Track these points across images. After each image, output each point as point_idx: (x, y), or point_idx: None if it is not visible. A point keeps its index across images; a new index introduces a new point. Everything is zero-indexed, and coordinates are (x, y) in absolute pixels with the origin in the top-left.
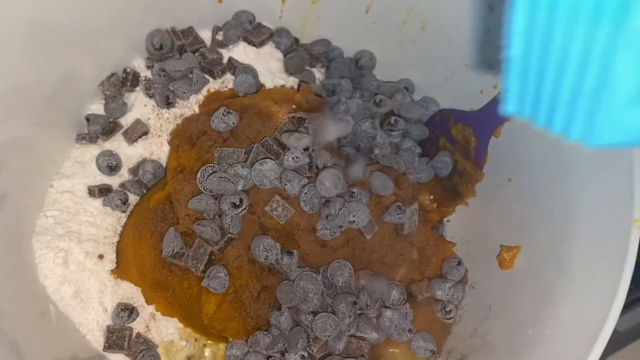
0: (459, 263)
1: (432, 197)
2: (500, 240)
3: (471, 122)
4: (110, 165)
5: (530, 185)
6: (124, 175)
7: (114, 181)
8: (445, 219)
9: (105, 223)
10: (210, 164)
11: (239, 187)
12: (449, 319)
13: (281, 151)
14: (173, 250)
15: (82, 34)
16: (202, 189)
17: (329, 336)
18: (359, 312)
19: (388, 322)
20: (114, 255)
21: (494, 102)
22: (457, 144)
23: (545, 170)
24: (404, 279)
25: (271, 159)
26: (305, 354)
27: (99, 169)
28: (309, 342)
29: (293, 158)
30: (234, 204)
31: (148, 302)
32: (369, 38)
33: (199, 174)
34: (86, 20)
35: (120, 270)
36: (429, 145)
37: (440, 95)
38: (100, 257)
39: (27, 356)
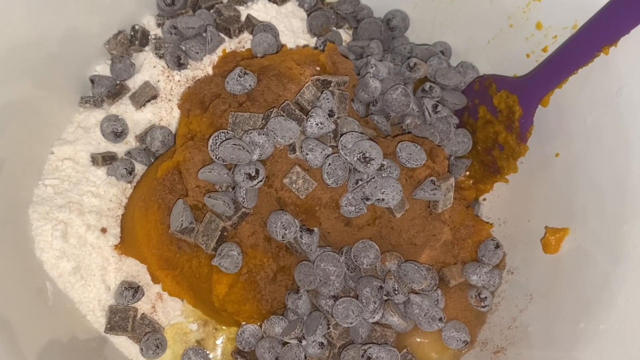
0: (497, 246)
1: (467, 172)
2: (544, 222)
3: (516, 89)
4: (116, 131)
5: (581, 160)
6: (130, 142)
7: (120, 149)
8: (481, 198)
9: (109, 194)
10: (224, 130)
11: (255, 157)
12: (484, 306)
13: (304, 116)
14: (181, 224)
15: None
16: (214, 158)
17: (351, 323)
18: (385, 297)
19: (417, 309)
20: (118, 229)
21: (543, 67)
22: (499, 114)
23: (599, 143)
24: (436, 262)
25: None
26: (324, 341)
27: (104, 135)
28: (328, 328)
29: (317, 124)
30: (249, 175)
31: (154, 280)
32: None
33: (210, 141)
34: None
35: (124, 246)
36: (467, 115)
37: (480, 60)
38: (103, 230)
39: (19, 337)
